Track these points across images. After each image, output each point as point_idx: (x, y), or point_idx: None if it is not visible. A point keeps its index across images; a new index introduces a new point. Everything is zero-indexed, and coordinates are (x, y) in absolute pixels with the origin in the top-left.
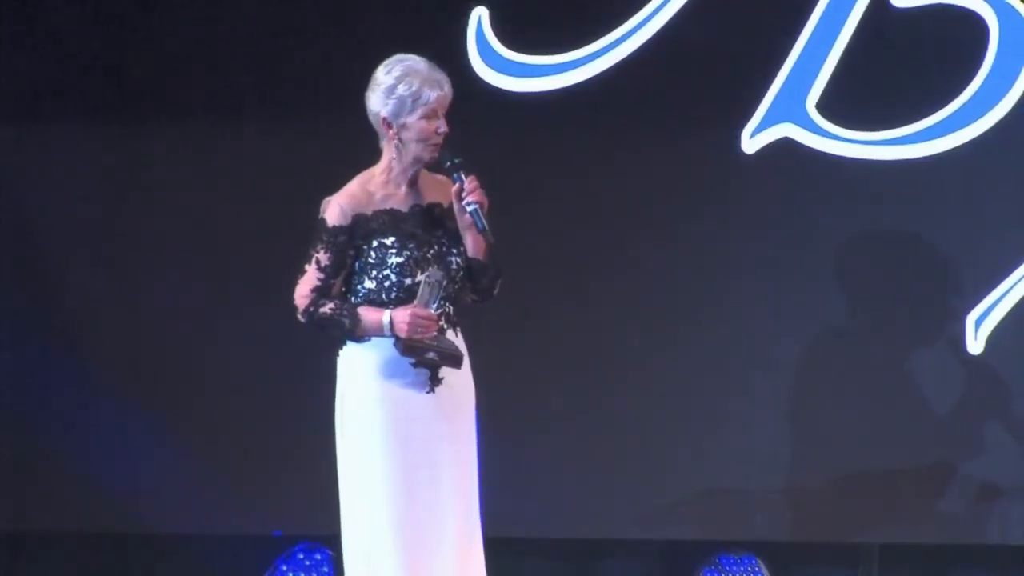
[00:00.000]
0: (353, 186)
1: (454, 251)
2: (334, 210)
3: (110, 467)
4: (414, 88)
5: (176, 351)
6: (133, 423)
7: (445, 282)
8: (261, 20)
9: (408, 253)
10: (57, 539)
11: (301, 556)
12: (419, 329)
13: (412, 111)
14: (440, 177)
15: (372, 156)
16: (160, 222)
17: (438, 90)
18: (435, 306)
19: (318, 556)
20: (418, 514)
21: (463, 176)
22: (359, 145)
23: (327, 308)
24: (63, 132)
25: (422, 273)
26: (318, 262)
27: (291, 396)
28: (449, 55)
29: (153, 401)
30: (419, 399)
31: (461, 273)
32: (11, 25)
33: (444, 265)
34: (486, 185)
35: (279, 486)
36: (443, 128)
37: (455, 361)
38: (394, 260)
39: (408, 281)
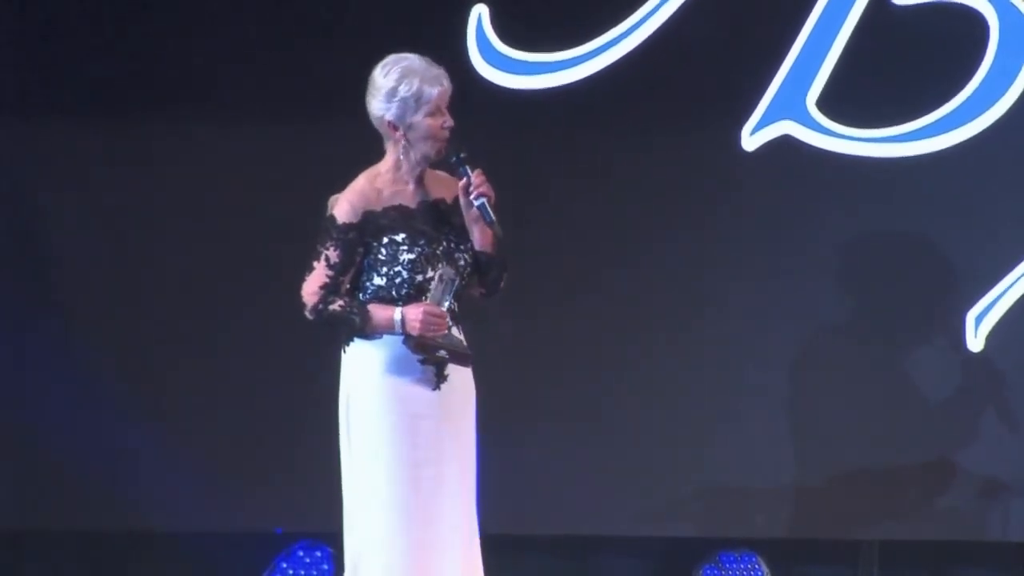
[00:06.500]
0: (361, 183)
1: (462, 247)
2: (343, 207)
3: (110, 465)
4: (415, 88)
5: (176, 349)
6: (133, 421)
7: (457, 279)
8: (261, 18)
9: (419, 249)
10: (57, 537)
11: (301, 553)
12: (431, 327)
13: (417, 111)
14: (442, 174)
15: (374, 154)
16: (159, 221)
17: (438, 86)
18: (447, 303)
19: (318, 553)
20: (423, 512)
21: (470, 170)
22: (361, 143)
23: (336, 305)
24: (63, 131)
25: (432, 270)
26: (327, 259)
27: (291, 394)
28: (449, 52)
29: (153, 399)
30: (425, 397)
31: (468, 270)
32: (11, 24)
33: (453, 262)
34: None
35: (279, 484)
36: (449, 123)
37: (464, 359)
38: (406, 257)
39: (419, 278)
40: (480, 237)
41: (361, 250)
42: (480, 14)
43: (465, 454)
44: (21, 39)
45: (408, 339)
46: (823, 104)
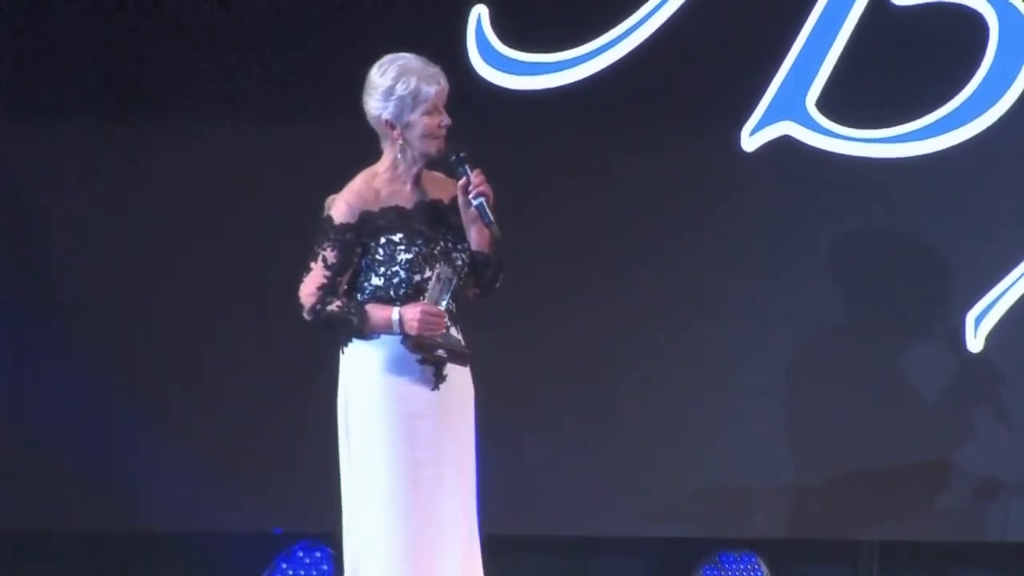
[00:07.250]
0: (358, 184)
1: (459, 247)
2: (341, 208)
3: (110, 465)
4: (412, 86)
5: (176, 349)
6: (133, 421)
7: (455, 279)
8: (261, 18)
9: (417, 249)
10: (57, 537)
11: (301, 554)
12: (430, 326)
13: (414, 109)
14: (439, 174)
15: (373, 154)
16: (159, 220)
17: (436, 85)
18: (444, 303)
19: (318, 554)
20: (423, 513)
21: (469, 169)
22: (360, 143)
23: (334, 306)
24: (63, 131)
25: (430, 269)
26: (325, 260)
27: (291, 393)
28: (449, 53)
29: (153, 399)
30: (424, 397)
31: (466, 269)
32: (10, 24)
33: (450, 261)
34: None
35: (279, 484)
36: (446, 121)
37: (463, 358)
38: (403, 257)
39: (417, 277)
40: (477, 237)
41: (359, 250)
42: (480, 14)
43: (464, 454)
44: (21, 39)
45: (406, 339)
46: (823, 104)
